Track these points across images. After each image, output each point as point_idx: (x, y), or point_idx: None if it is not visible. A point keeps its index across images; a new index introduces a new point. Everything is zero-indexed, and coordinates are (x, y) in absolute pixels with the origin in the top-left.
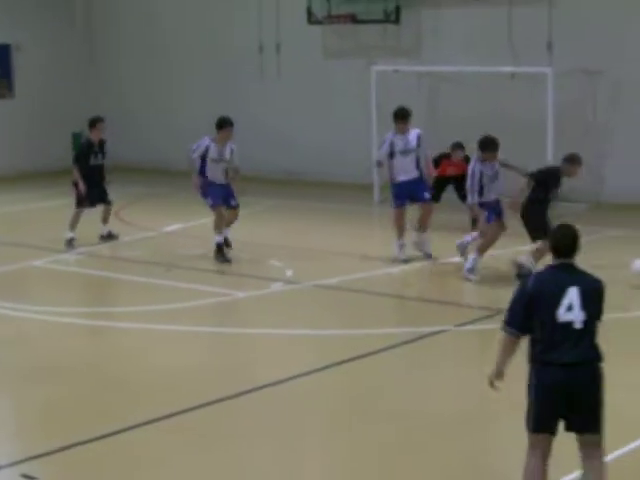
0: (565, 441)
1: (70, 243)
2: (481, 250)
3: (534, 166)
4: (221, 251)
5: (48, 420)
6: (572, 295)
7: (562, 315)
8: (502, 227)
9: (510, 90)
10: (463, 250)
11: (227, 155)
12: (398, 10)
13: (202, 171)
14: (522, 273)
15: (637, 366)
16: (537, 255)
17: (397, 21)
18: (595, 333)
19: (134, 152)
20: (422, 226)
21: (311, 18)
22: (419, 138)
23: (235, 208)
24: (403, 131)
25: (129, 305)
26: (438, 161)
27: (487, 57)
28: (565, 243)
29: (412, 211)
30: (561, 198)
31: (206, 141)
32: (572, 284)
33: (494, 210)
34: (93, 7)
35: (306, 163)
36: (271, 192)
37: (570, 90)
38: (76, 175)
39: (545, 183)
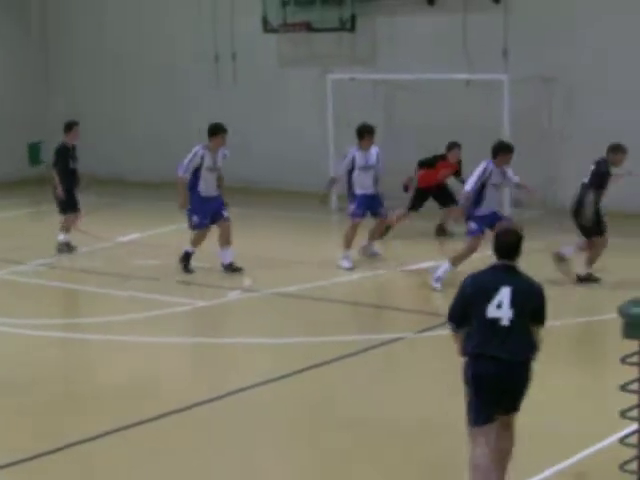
0: (527, 445)
1: (68, 246)
2: (455, 261)
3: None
4: (187, 260)
5: (10, 431)
6: (503, 294)
7: (491, 312)
8: (479, 242)
9: (466, 97)
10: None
11: (220, 162)
12: (354, 18)
13: (193, 186)
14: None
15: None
16: (598, 252)
17: (353, 29)
18: (525, 332)
19: (88, 162)
20: (372, 236)
21: (267, 26)
22: (378, 155)
23: (227, 220)
24: (367, 147)
25: (90, 316)
26: (433, 163)
27: (443, 64)
28: (507, 245)
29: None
30: (515, 204)
31: (200, 151)
32: (506, 284)
33: (486, 223)
34: (48, 16)
35: (262, 171)
36: (227, 200)
37: (526, 97)
38: (56, 180)
39: (602, 184)
